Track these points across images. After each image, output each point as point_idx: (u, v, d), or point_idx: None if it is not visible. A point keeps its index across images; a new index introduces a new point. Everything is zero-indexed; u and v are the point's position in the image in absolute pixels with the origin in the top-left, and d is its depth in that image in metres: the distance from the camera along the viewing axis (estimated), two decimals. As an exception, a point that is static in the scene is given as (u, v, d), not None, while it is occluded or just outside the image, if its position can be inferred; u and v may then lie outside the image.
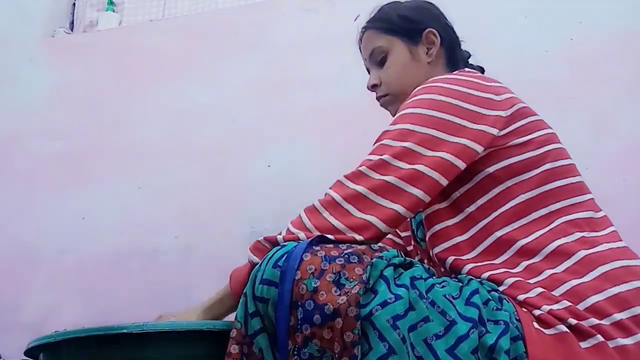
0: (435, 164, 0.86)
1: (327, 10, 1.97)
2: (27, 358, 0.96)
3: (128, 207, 1.88)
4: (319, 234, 0.83)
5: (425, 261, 1.04)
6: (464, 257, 0.89)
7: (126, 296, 1.73)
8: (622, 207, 1.40)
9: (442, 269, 0.94)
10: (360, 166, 0.89)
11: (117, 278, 1.77)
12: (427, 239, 0.97)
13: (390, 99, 1.12)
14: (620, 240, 0.88)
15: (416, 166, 0.86)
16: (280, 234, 0.87)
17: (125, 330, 0.81)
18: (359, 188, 0.86)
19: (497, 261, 0.87)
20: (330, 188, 0.89)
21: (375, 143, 0.93)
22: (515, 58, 1.70)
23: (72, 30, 2.39)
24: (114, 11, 2.35)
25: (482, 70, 1.16)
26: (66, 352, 0.87)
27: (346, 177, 0.89)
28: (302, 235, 0.84)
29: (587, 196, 0.92)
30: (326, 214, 0.86)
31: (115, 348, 0.83)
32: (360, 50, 1.19)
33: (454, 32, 1.16)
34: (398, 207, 0.85)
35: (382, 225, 0.84)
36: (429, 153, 0.87)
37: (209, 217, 1.79)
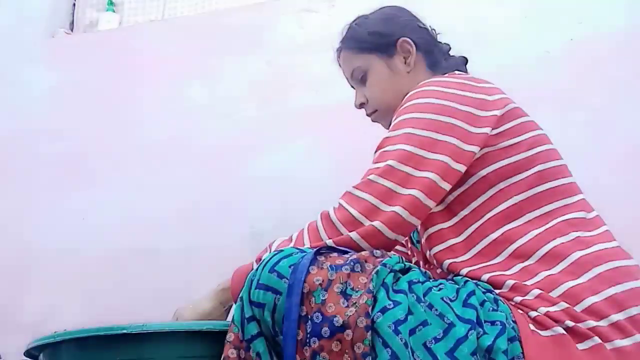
0: (438, 168, 0.87)
1: (327, 10, 1.97)
2: (27, 358, 0.96)
3: (128, 207, 1.88)
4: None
5: (422, 263, 1.05)
6: (459, 260, 0.90)
7: (126, 296, 1.73)
8: (622, 207, 1.40)
9: (439, 270, 0.94)
10: (369, 175, 0.89)
11: (117, 278, 1.77)
12: (423, 240, 0.97)
13: (380, 114, 1.14)
14: (614, 240, 0.88)
15: (422, 172, 0.87)
16: (290, 239, 0.89)
17: (125, 331, 0.81)
18: (368, 197, 0.87)
19: (492, 262, 0.87)
20: (342, 198, 0.90)
21: (377, 150, 0.94)
22: (515, 58, 1.70)
23: (72, 30, 2.39)
24: (114, 11, 2.35)
25: (465, 60, 1.16)
26: (66, 352, 0.87)
27: (355, 187, 0.90)
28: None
29: (579, 197, 0.92)
30: (343, 229, 0.86)
31: (115, 348, 0.83)
32: (341, 68, 1.20)
33: (429, 32, 1.16)
34: (397, 209, 0.85)
35: (386, 231, 0.85)
36: (431, 156, 0.88)
37: (209, 217, 1.79)
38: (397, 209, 0.85)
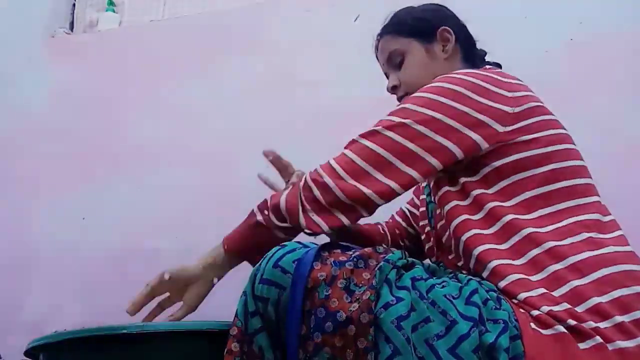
0: (434, 149, 0.91)
1: (327, 10, 1.97)
2: (27, 358, 0.96)
3: (128, 207, 1.88)
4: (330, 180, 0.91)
5: (435, 249, 1.06)
6: (475, 232, 0.89)
7: (126, 296, 1.72)
8: (622, 208, 1.40)
9: (451, 256, 0.95)
10: (356, 136, 0.96)
11: (117, 278, 1.77)
12: (443, 221, 0.98)
13: None
14: (628, 245, 0.88)
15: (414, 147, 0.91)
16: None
17: (125, 330, 0.81)
18: (375, 147, 0.93)
19: (503, 246, 0.86)
20: (345, 147, 0.97)
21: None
22: (515, 58, 1.70)
23: (72, 30, 2.39)
24: (114, 11, 2.35)
25: (499, 66, 1.19)
26: (66, 352, 0.87)
27: (346, 147, 0.97)
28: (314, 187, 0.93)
29: (594, 198, 0.91)
30: (342, 173, 0.93)
31: (115, 348, 0.83)
32: (377, 58, 1.22)
33: (468, 31, 1.19)
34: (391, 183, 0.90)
35: (374, 197, 0.91)
36: (432, 135, 0.91)
37: (209, 217, 1.79)
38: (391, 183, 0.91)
